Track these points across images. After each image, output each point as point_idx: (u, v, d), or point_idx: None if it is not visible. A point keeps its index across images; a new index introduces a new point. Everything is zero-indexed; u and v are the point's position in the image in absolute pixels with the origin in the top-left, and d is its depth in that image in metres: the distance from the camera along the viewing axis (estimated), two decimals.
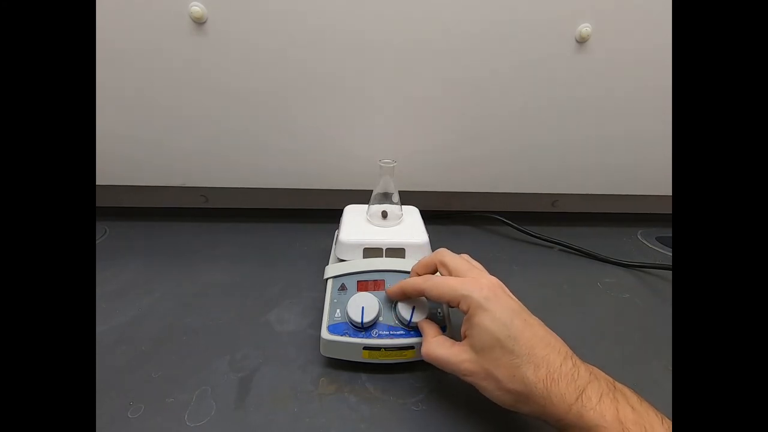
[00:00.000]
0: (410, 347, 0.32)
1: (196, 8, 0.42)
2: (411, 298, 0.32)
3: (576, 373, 0.23)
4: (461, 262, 0.30)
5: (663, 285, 0.48)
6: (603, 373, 0.24)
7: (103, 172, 0.49)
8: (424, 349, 0.28)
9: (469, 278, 0.28)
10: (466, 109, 0.50)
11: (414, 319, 0.31)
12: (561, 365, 0.23)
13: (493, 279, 0.28)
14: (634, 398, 0.22)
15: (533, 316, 0.26)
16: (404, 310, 0.32)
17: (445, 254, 0.31)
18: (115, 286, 0.43)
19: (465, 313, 0.26)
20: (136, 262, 0.48)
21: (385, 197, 0.42)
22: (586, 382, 0.22)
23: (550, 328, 0.26)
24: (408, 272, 0.36)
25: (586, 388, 0.22)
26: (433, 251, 0.40)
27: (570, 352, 0.24)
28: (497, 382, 0.24)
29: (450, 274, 0.29)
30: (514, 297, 0.28)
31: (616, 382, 0.23)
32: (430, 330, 0.30)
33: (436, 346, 0.28)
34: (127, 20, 0.42)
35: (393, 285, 0.32)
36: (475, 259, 0.32)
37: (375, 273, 0.36)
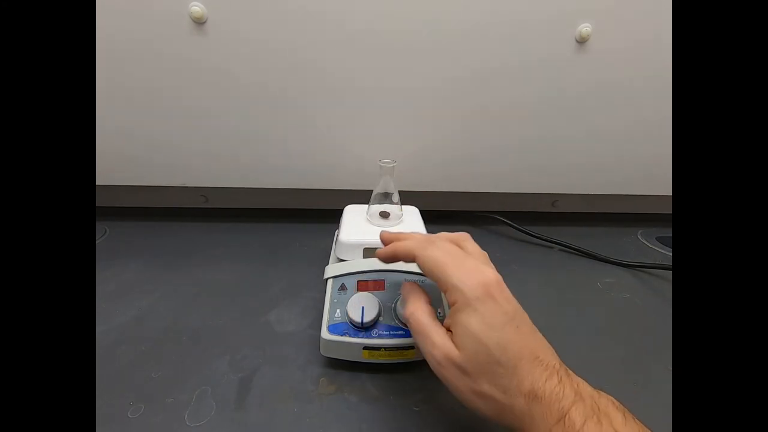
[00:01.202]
0: (410, 347, 0.32)
1: (196, 8, 0.42)
2: (402, 261, 0.29)
3: (561, 392, 0.21)
4: (442, 259, 0.26)
5: (663, 285, 0.48)
6: (588, 390, 0.22)
7: (103, 172, 0.49)
8: (410, 308, 0.26)
9: (466, 267, 0.25)
10: (466, 109, 0.50)
11: None
12: (546, 381, 0.21)
13: (491, 276, 0.25)
14: (618, 421, 0.21)
15: (527, 322, 0.24)
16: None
17: (426, 252, 0.26)
18: (115, 286, 0.43)
19: (451, 305, 0.24)
20: (136, 262, 0.48)
21: (385, 197, 0.42)
22: (571, 403, 0.21)
23: (545, 332, 0.24)
24: (408, 272, 0.36)
25: (570, 410, 0.21)
26: None
27: (558, 365, 0.23)
28: (477, 385, 0.22)
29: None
30: (511, 298, 0.25)
31: (600, 401, 0.22)
32: (420, 294, 0.27)
33: (425, 313, 0.25)
34: (126, 20, 0.42)
35: (387, 247, 0.29)
36: None
37: (375, 273, 0.36)
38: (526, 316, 0.25)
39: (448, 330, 0.25)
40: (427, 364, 0.29)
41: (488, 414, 0.23)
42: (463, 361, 0.23)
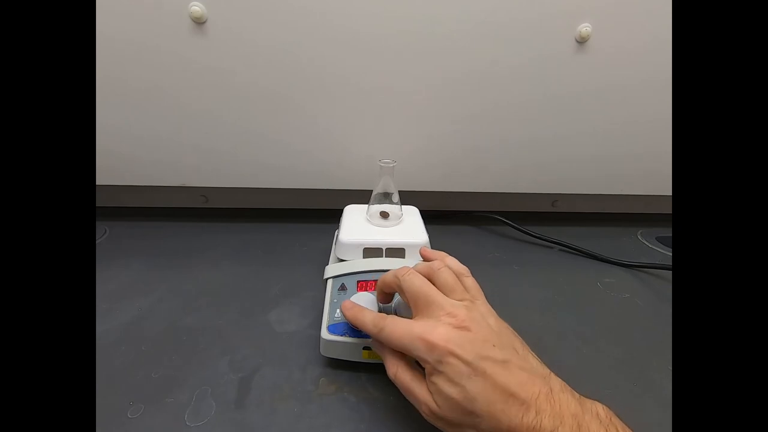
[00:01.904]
0: None
1: (196, 8, 0.42)
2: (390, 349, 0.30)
3: (538, 425, 0.21)
4: (422, 289, 0.27)
5: (663, 285, 0.48)
6: (572, 409, 0.22)
7: (103, 171, 0.49)
8: (392, 370, 0.27)
9: (423, 330, 0.25)
10: (466, 109, 0.50)
11: None
12: (522, 418, 0.22)
13: (447, 331, 0.25)
14: None
15: (497, 358, 0.24)
16: (406, 311, 0.32)
17: (408, 278, 0.28)
18: (115, 286, 0.43)
19: (424, 368, 0.25)
20: (136, 262, 0.48)
21: (385, 197, 0.42)
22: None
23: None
24: None
25: None
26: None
27: (537, 393, 0.22)
28: (462, 431, 0.24)
29: (408, 304, 0.28)
30: (474, 339, 0.24)
31: (584, 419, 0.22)
32: (392, 350, 0.28)
33: (405, 372, 0.27)
34: (126, 20, 0.42)
35: (351, 310, 0.30)
36: (473, 259, 0.31)
37: (375, 273, 0.36)
38: (496, 348, 0.24)
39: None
40: None
41: None
42: (444, 415, 0.24)
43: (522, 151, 0.54)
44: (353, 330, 0.32)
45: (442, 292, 0.28)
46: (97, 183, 0.49)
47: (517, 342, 0.26)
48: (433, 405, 0.24)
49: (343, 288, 0.35)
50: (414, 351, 0.25)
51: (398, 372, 0.27)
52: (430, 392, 0.25)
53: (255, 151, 0.51)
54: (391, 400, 0.30)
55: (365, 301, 0.32)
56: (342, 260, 0.38)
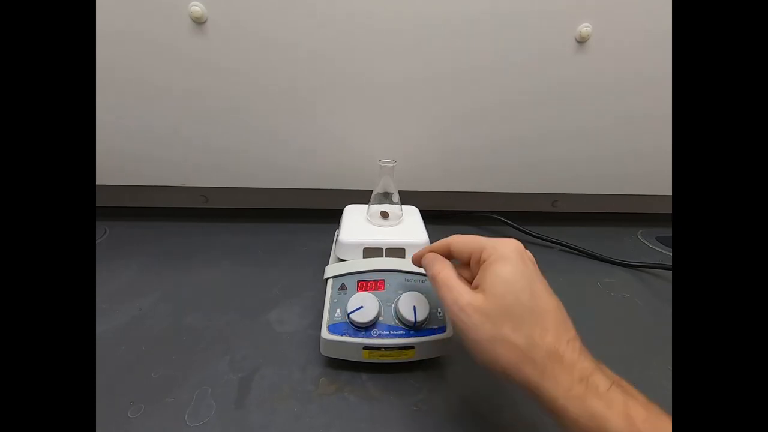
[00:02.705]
0: (410, 347, 0.32)
1: (196, 8, 0.42)
2: (437, 255, 0.29)
3: (582, 357, 0.21)
4: (470, 238, 0.28)
5: (663, 285, 0.48)
6: (608, 371, 0.22)
7: (103, 171, 0.49)
8: (436, 267, 0.27)
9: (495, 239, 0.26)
10: (467, 109, 0.50)
11: (418, 318, 0.31)
12: (568, 342, 0.21)
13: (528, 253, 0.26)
14: (642, 397, 0.21)
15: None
16: (406, 311, 0.32)
17: (455, 237, 0.29)
18: (115, 286, 0.43)
19: (483, 263, 0.25)
20: (136, 262, 0.48)
21: (385, 197, 0.42)
22: (592, 369, 0.21)
23: None
24: (408, 272, 0.36)
25: (593, 375, 0.20)
26: None
27: (579, 342, 0.23)
28: (498, 330, 0.22)
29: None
30: None
31: (621, 381, 0.22)
32: (444, 260, 0.28)
33: (450, 272, 0.26)
34: (126, 19, 0.42)
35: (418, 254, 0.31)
36: None
37: (375, 273, 0.36)
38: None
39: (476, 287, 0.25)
40: (426, 364, 0.29)
41: (506, 363, 0.22)
42: (487, 305, 0.23)
43: (522, 151, 0.54)
44: (353, 330, 0.32)
45: None
46: (97, 183, 0.49)
47: None
48: (474, 297, 0.24)
49: (343, 288, 0.35)
50: (487, 242, 0.26)
51: (442, 270, 0.26)
52: (480, 285, 0.24)
53: (255, 151, 0.51)
54: (391, 399, 0.30)
55: (365, 301, 0.32)
56: (342, 260, 0.38)
